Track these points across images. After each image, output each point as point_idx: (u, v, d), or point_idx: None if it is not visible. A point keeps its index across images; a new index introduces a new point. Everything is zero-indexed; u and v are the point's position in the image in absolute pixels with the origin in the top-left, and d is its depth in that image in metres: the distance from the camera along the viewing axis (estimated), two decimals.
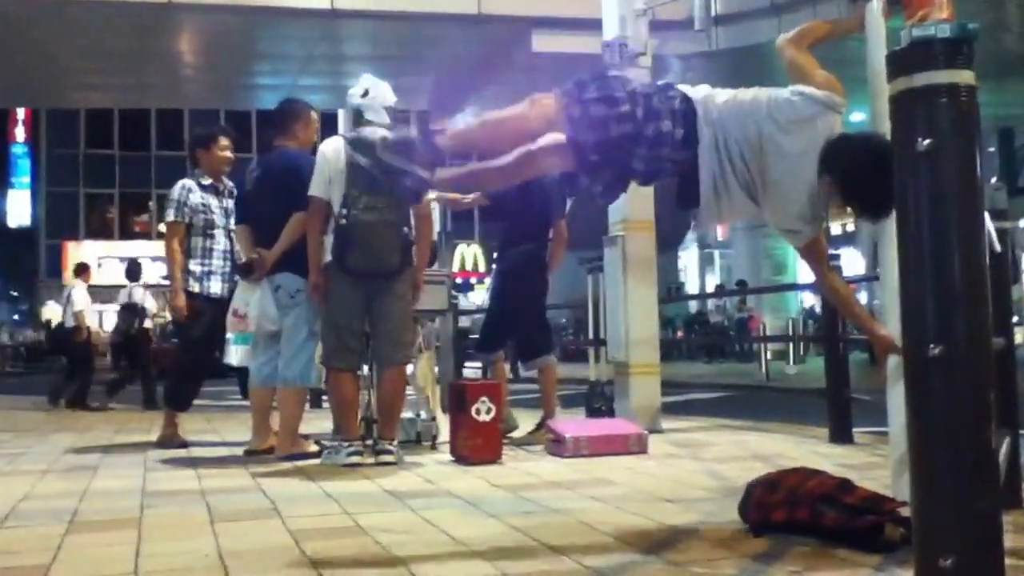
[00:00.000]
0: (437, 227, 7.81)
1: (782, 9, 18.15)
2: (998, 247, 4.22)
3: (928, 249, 2.36)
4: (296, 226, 6.38)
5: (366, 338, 6.31)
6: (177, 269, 7.22)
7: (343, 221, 5.90)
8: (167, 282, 7.30)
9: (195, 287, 7.23)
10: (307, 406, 6.99)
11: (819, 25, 4.19)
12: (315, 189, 6.10)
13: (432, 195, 6.48)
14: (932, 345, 2.31)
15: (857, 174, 3.54)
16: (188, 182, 7.44)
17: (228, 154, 7.55)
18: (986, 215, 3.33)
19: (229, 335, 7.10)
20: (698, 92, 3.93)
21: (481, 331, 7.96)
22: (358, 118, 6.33)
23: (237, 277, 7.00)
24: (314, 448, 6.49)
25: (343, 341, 6.10)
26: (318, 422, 8.04)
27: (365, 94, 6.29)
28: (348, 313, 6.09)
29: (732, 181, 3.82)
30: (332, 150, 6.12)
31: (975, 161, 2.42)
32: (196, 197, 7.35)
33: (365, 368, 6.74)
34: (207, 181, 7.45)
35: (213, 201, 7.40)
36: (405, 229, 6.02)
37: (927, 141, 2.35)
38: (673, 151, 3.82)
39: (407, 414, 7.06)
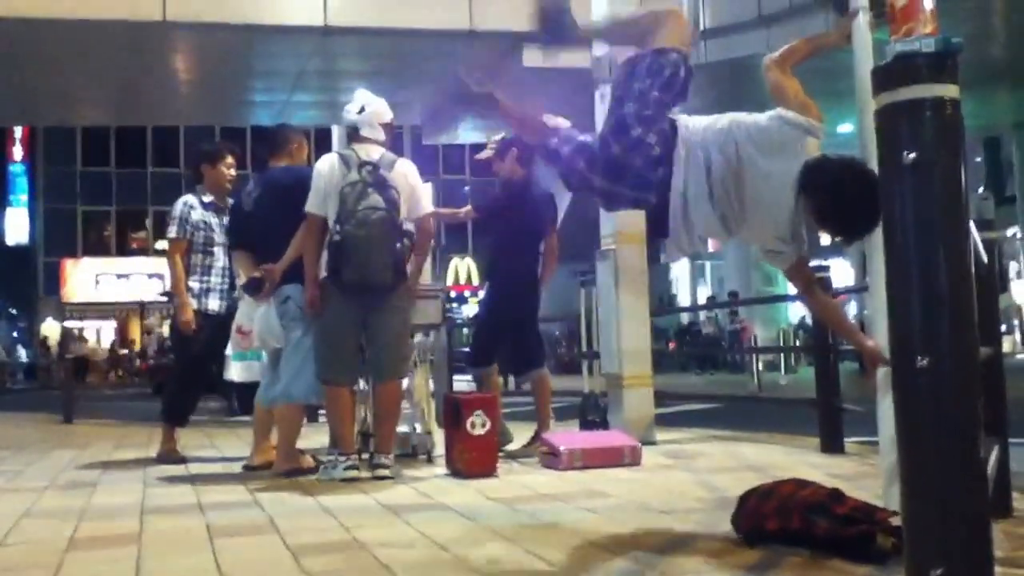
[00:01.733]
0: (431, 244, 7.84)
1: (770, 21, 18.21)
2: (984, 257, 4.27)
3: (914, 262, 2.39)
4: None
5: (362, 352, 6.34)
6: (182, 284, 7.27)
7: (336, 237, 5.93)
8: (163, 299, 7.36)
9: (193, 304, 7.26)
10: (304, 420, 7.00)
11: (804, 43, 4.24)
12: (312, 206, 6.13)
13: (430, 209, 6.52)
14: (919, 357, 2.35)
15: (829, 196, 3.59)
16: (190, 199, 7.49)
17: (233, 171, 7.62)
18: (972, 226, 3.39)
19: (228, 351, 7.13)
20: (683, 120, 4.00)
21: (472, 345, 7.98)
22: (353, 134, 6.37)
23: (236, 295, 7.03)
24: (311, 463, 6.52)
25: (339, 356, 6.14)
26: (315, 437, 8.06)
27: (361, 111, 6.34)
28: (344, 328, 6.12)
29: (706, 205, 3.87)
30: (327, 166, 6.16)
31: (960, 174, 2.46)
32: (197, 214, 7.40)
33: (362, 382, 6.77)
34: (208, 198, 7.50)
35: (213, 219, 7.44)
36: (399, 244, 6.05)
37: (912, 154, 2.39)
38: (646, 166, 3.88)
39: (403, 428, 7.09)
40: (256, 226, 6.74)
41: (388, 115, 6.42)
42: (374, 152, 6.20)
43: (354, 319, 6.11)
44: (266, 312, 6.52)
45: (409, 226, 6.26)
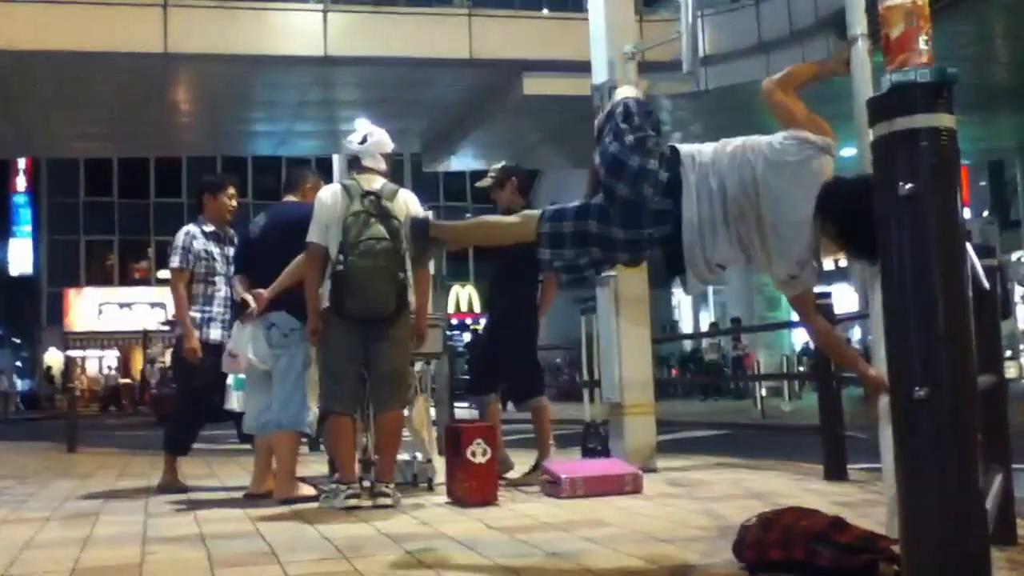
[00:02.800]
0: (432, 270, 7.84)
1: (770, 48, 18.29)
2: (986, 284, 4.26)
3: (911, 293, 2.39)
4: (296, 268, 6.47)
5: (363, 382, 6.34)
6: (186, 313, 7.33)
7: (340, 267, 5.95)
8: (166, 328, 7.41)
9: (195, 333, 7.29)
10: (306, 449, 7.02)
11: (804, 68, 4.26)
12: (313, 235, 6.15)
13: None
14: (917, 388, 2.34)
15: (853, 216, 3.55)
16: (192, 229, 7.55)
17: (235, 202, 7.71)
18: (972, 252, 3.38)
19: (229, 380, 7.15)
20: (685, 146, 3.99)
21: (472, 373, 7.96)
22: (355, 164, 6.40)
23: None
24: (312, 491, 6.52)
25: (341, 386, 6.14)
26: (317, 466, 8.05)
27: (363, 141, 6.36)
28: (346, 358, 6.13)
29: (721, 230, 3.85)
30: (330, 196, 6.19)
31: (957, 204, 2.46)
32: (199, 244, 7.46)
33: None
34: (210, 228, 7.56)
35: (215, 248, 7.51)
36: (401, 275, 6.07)
37: (909, 185, 2.39)
38: (656, 192, 3.86)
39: (403, 456, 7.09)
40: (258, 255, 6.82)
41: (389, 145, 6.45)
42: (376, 182, 6.23)
43: (356, 349, 6.12)
44: (252, 335, 6.62)
45: None
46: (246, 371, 6.80)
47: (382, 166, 6.36)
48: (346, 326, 6.04)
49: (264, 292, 6.58)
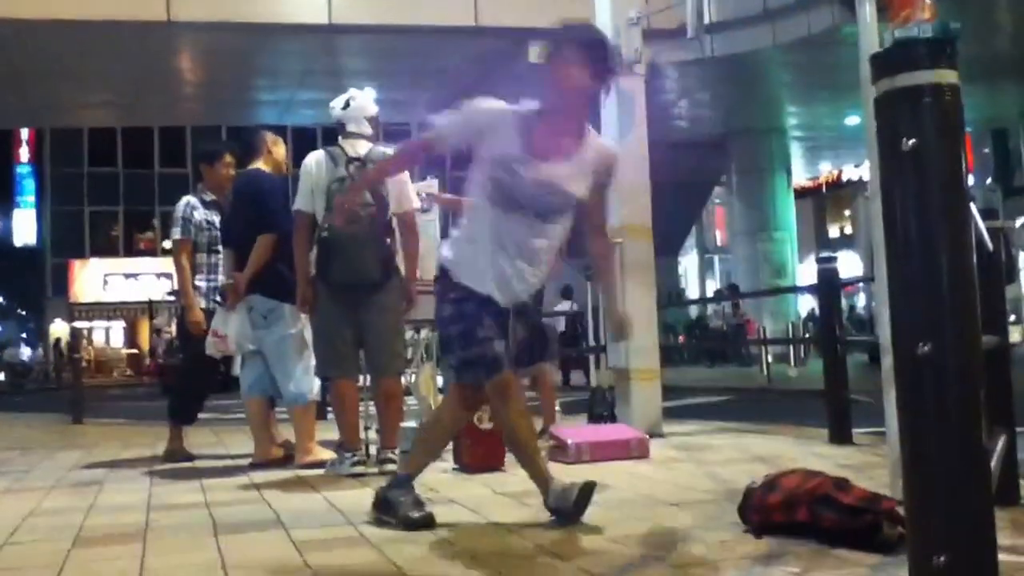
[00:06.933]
0: (437, 235, 7.81)
1: (775, 15, 18.17)
2: (990, 245, 4.24)
3: (915, 248, 2.36)
4: (262, 248, 6.58)
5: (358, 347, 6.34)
6: (188, 285, 7.33)
7: (324, 234, 5.93)
8: (171, 298, 7.44)
9: (201, 303, 7.32)
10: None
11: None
12: (300, 203, 6.13)
13: (416, 204, 6.49)
14: (921, 343, 2.33)
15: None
16: (191, 199, 7.54)
17: (231, 171, 7.64)
18: (976, 214, 3.36)
19: None
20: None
21: None
22: (341, 130, 6.38)
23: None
24: (332, 455, 6.53)
25: (335, 350, 6.13)
26: (324, 434, 8.05)
27: (346, 106, 6.34)
28: (337, 324, 6.09)
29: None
30: (314, 163, 6.17)
31: (960, 160, 2.43)
32: (200, 214, 7.46)
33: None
34: (210, 197, 7.56)
35: (216, 217, 7.48)
36: (388, 240, 6.05)
37: (912, 141, 2.37)
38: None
39: (410, 423, 7.09)
40: (231, 229, 7.02)
41: (373, 109, 6.41)
42: (361, 147, 6.20)
43: (346, 315, 6.08)
44: (237, 318, 6.74)
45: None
46: (235, 349, 6.90)
47: (367, 130, 6.33)
48: (333, 293, 6.02)
49: (240, 276, 6.68)
